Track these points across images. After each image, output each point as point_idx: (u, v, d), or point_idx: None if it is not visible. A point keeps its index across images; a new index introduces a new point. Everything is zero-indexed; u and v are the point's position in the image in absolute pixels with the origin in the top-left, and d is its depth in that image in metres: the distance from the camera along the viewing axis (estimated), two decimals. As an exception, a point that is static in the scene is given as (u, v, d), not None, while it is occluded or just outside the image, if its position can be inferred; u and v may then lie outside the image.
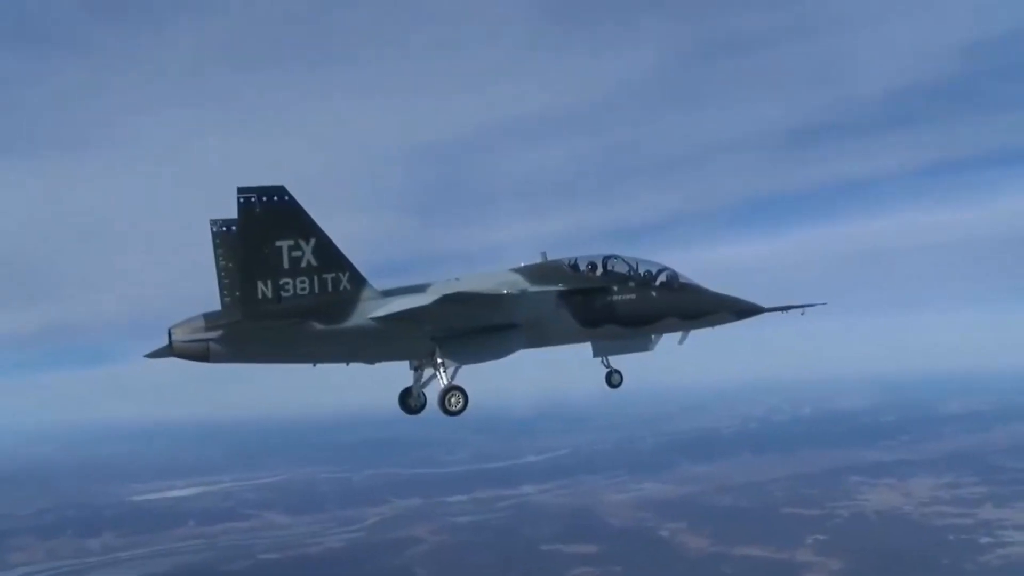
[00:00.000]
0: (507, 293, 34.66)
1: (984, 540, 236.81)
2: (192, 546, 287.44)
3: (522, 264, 38.23)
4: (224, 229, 34.06)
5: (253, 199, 30.51)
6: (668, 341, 41.12)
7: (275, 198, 30.63)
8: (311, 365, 37.07)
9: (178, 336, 33.59)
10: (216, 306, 35.02)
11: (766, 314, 42.60)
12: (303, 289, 31.98)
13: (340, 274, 32.66)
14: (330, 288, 32.53)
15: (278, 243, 31.21)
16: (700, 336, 42.17)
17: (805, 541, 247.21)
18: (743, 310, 41.28)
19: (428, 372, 39.22)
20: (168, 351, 34.40)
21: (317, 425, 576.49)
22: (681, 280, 39.93)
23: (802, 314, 42.43)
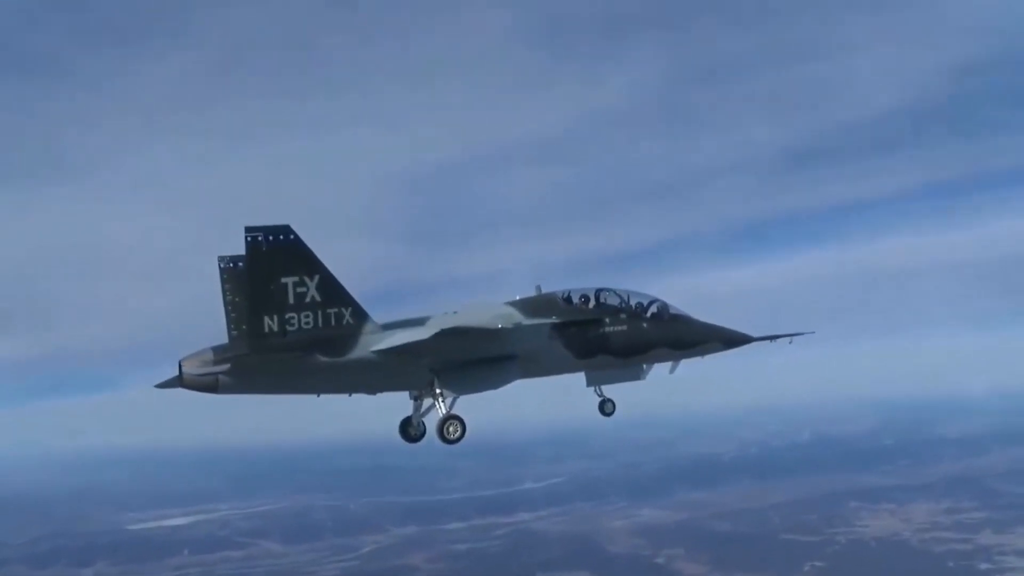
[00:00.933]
0: (502, 327, 35.76)
1: (983, 566, 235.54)
2: (186, 575, 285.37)
3: (517, 297, 39.52)
4: (231, 266, 35.83)
5: (260, 238, 31.88)
6: (659, 370, 42.36)
7: (281, 237, 32.04)
8: (315, 396, 38.18)
9: (188, 368, 34.88)
10: (223, 339, 36.14)
11: (760, 342, 43.64)
12: (308, 323, 33.25)
13: (343, 309, 33.94)
14: (333, 323, 33.78)
15: (284, 279, 32.52)
16: (698, 361, 43.32)
17: (803, 568, 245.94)
18: (732, 340, 42.46)
19: (427, 402, 40.44)
20: (178, 382, 35.75)
21: (314, 452, 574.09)
22: (672, 311, 41.19)
23: (790, 343, 43.74)
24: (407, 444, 42.95)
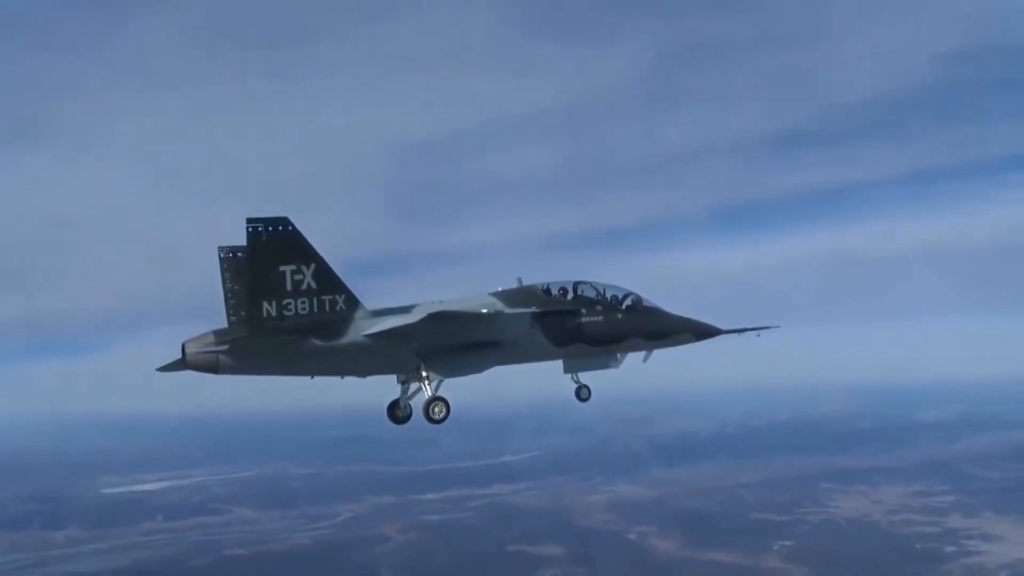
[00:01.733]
0: (486, 313, 38.43)
1: (949, 549, 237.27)
2: (158, 540, 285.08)
3: (500, 288, 41.64)
4: (230, 255, 37.92)
5: (260, 228, 34.20)
6: (633, 359, 44.80)
7: (280, 228, 34.44)
8: (309, 377, 40.62)
9: (191, 350, 37.16)
10: (222, 323, 38.11)
11: (729, 334, 46.12)
12: (304, 309, 35.56)
13: (337, 296, 36.17)
14: (328, 308, 36.07)
15: (282, 268, 34.84)
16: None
17: (772, 547, 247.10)
18: (702, 332, 44.76)
19: (414, 386, 42.73)
20: (181, 364, 38.02)
21: (293, 422, 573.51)
22: (645, 304, 43.40)
23: (757, 336, 46.44)
24: (395, 425, 45.69)
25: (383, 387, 45.05)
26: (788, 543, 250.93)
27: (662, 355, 46.01)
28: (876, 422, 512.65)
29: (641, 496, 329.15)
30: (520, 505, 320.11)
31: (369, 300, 38.29)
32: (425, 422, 41.04)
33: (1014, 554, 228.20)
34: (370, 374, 41.92)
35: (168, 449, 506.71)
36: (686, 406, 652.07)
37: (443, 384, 41.03)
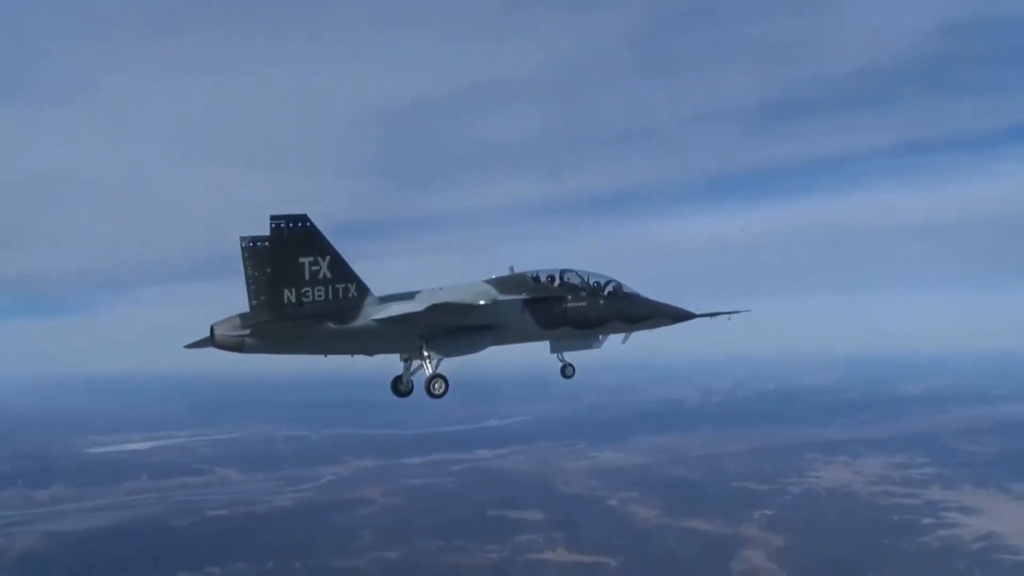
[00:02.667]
0: (483, 304, 42.22)
1: (926, 521, 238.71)
2: (142, 500, 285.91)
3: (493, 276, 45.27)
4: (251, 245, 41.05)
5: (282, 224, 37.81)
6: (614, 340, 48.37)
7: (299, 224, 38.03)
8: (323, 356, 44.35)
9: (219, 331, 40.72)
10: (208, 285, 43.14)
11: (701, 318, 49.06)
12: (320, 296, 39.27)
13: (349, 285, 39.89)
14: (341, 296, 39.82)
15: (301, 259, 38.49)
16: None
17: (752, 516, 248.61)
18: (677, 316, 48.41)
19: (415, 363, 46.61)
20: (209, 342, 41.51)
21: (280, 384, 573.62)
22: (625, 290, 46.92)
23: (728, 320, 49.80)
24: (397, 399, 48.59)
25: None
26: (768, 512, 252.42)
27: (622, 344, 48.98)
28: (862, 393, 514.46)
29: (624, 463, 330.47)
30: (503, 470, 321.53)
31: (356, 264, 40.80)
32: (427, 397, 44.53)
33: (989, 527, 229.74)
34: (377, 353, 45.63)
35: (155, 410, 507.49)
36: (674, 375, 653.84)
37: (442, 362, 44.71)
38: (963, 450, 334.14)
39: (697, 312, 48.65)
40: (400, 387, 48.16)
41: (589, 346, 47.47)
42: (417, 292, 43.48)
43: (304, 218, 38.14)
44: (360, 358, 45.58)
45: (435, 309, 40.85)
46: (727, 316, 49.52)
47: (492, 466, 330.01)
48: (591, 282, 46.30)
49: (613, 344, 48.34)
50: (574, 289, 45.86)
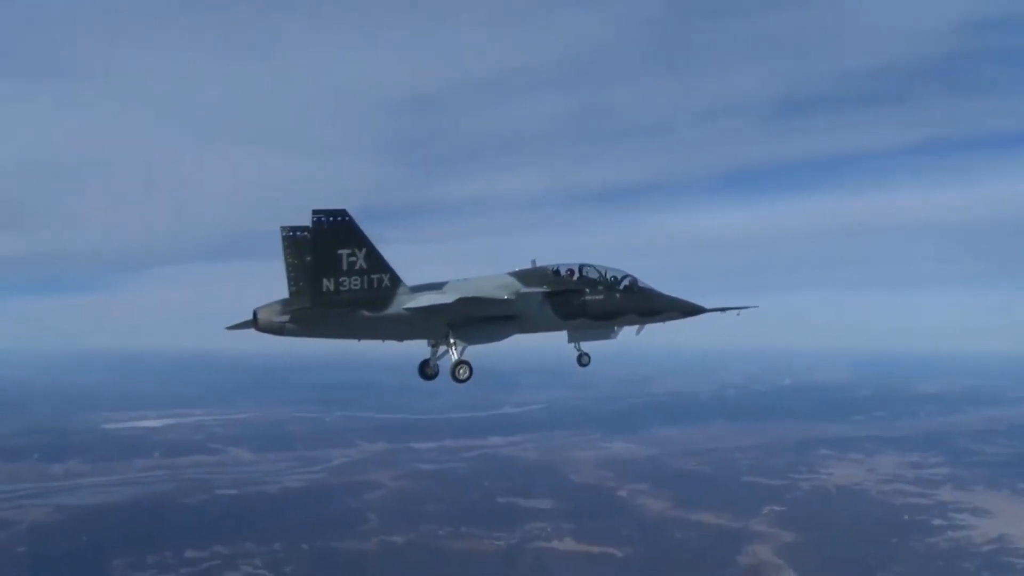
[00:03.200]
0: (507, 298, 45.22)
1: (936, 522, 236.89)
2: (154, 477, 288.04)
3: (516, 269, 47.79)
4: (292, 234, 43.51)
5: (323, 218, 40.50)
6: (628, 331, 50.66)
7: (339, 218, 40.68)
8: (357, 340, 47.16)
9: (262, 315, 43.38)
10: (258, 289, 44.87)
11: (712, 312, 51.54)
12: (356, 286, 41.94)
13: (383, 275, 42.57)
14: (376, 285, 42.45)
15: (339, 251, 41.22)
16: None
17: (761, 511, 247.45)
18: (688, 310, 51.00)
19: (442, 349, 49.18)
20: (250, 325, 44.16)
21: (297, 366, 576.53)
22: (640, 285, 49.55)
23: (737, 315, 52.06)
24: (424, 382, 51.36)
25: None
26: (777, 508, 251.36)
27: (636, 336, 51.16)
28: (877, 391, 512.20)
29: (636, 454, 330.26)
30: (515, 458, 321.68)
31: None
32: (452, 382, 47.00)
33: (1001, 529, 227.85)
34: (407, 339, 48.34)
35: (171, 388, 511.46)
36: (689, 368, 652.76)
37: (466, 349, 47.08)
38: (977, 451, 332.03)
39: (708, 307, 51.23)
40: (427, 371, 50.74)
41: (605, 337, 49.92)
42: (445, 283, 46.34)
43: (344, 213, 40.97)
44: (388, 343, 48.56)
45: (463, 301, 43.74)
46: (736, 312, 51.88)
47: (504, 453, 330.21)
48: (608, 276, 48.93)
49: (630, 336, 50.49)
50: (592, 283, 48.45)
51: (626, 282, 49.25)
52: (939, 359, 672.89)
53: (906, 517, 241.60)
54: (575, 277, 48.35)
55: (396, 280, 43.35)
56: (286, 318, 43.07)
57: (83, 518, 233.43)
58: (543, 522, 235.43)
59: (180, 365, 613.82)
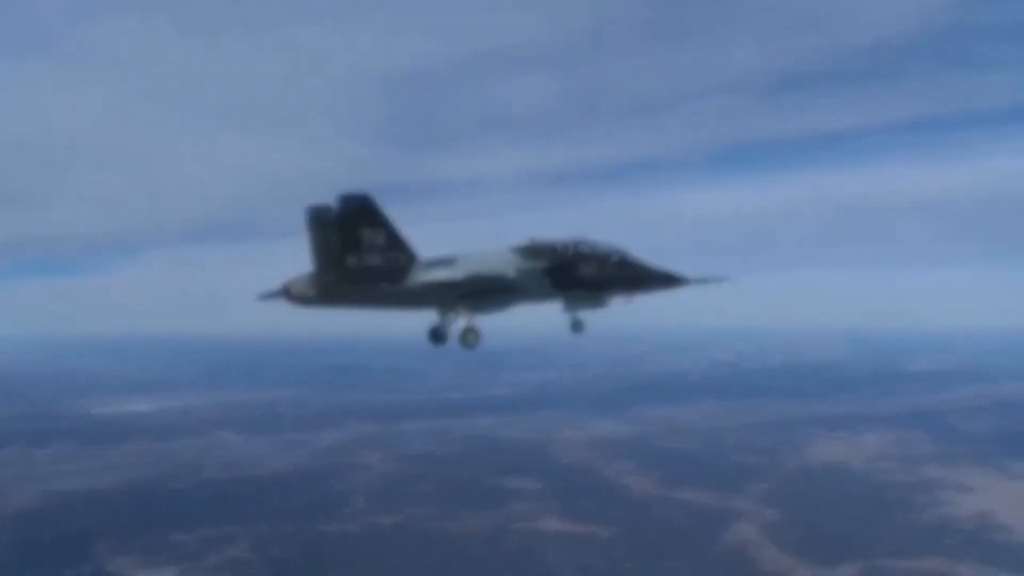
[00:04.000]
0: (512, 274, 51.39)
1: (920, 499, 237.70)
2: (141, 461, 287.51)
3: (517, 244, 52.72)
4: (317, 214, 47.45)
5: (349, 201, 46.09)
6: (620, 303, 55.78)
7: (363, 201, 46.43)
8: (374, 311, 52.23)
9: (294, 288, 48.88)
10: (247, 275, 48.25)
11: (695, 284, 56.42)
12: (377, 262, 47.19)
13: (401, 253, 47.76)
14: (394, 262, 47.64)
15: (362, 230, 46.65)
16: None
17: (747, 489, 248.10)
18: (672, 281, 55.90)
19: (451, 316, 54.51)
20: (281, 295, 49.63)
21: (285, 348, 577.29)
22: (630, 259, 54.54)
23: (716, 285, 56.82)
24: (434, 346, 56.30)
25: (381, 319, 55.44)
26: (764, 486, 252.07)
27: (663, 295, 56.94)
28: (866, 369, 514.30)
29: (624, 434, 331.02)
30: (502, 438, 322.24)
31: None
32: (460, 347, 52.83)
33: (984, 506, 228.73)
34: (420, 309, 53.84)
35: (159, 372, 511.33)
36: (682, 345, 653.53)
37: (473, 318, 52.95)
38: (964, 428, 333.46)
39: (691, 278, 56.09)
40: (438, 336, 56.33)
41: (597, 306, 55.36)
42: (455, 258, 51.62)
43: (367, 197, 46.79)
44: (390, 320, 54.34)
45: (473, 277, 50.55)
46: (714, 283, 56.73)
47: (492, 434, 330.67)
48: (601, 251, 53.82)
49: (623, 316, 56.40)
50: (586, 257, 53.35)
51: (617, 256, 54.11)
52: (928, 337, 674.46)
53: (891, 494, 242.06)
54: (571, 252, 53.18)
55: (412, 256, 48.71)
56: (315, 291, 48.54)
57: (70, 503, 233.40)
58: (530, 502, 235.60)
59: (168, 349, 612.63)
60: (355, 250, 47.04)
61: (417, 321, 55.42)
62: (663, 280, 55.63)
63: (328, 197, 47.79)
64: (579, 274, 53.29)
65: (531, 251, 52.59)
